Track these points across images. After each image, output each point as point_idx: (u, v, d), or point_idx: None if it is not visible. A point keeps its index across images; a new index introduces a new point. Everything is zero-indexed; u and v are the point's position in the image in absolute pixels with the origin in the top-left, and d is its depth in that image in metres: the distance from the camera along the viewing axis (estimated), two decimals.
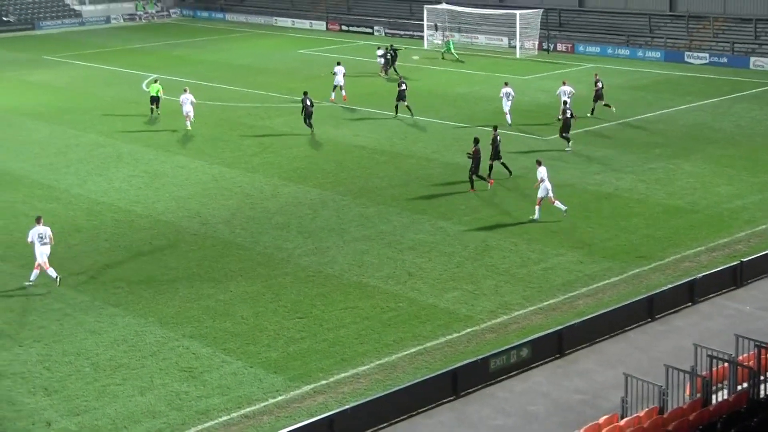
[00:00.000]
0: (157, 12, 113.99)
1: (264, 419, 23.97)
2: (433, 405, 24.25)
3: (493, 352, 25.74)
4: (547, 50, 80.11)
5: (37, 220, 32.84)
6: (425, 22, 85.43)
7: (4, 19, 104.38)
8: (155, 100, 57.39)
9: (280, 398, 24.89)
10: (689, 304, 29.77)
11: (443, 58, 77.54)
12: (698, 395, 21.27)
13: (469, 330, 28.46)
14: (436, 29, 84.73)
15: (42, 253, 32.13)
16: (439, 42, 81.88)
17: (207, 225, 38.28)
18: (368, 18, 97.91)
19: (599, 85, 54.56)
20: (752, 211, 38.37)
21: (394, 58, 69.90)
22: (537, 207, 37.55)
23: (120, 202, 41.39)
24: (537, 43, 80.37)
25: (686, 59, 73.94)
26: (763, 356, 21.39)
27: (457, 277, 32.40)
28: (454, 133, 51.46)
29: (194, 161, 47.66)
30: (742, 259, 31.66)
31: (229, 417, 24.08)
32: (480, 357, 25.42)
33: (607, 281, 31.77)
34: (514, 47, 80.00)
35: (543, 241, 35.40)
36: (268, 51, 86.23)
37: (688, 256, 33.75)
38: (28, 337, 28.57)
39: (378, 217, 38.66)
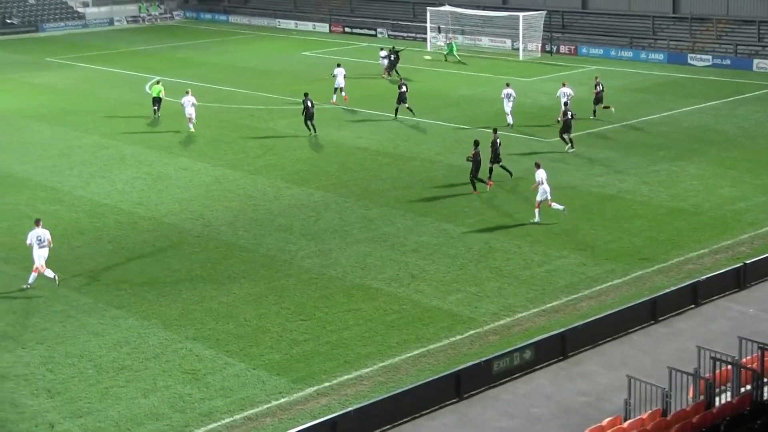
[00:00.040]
0: (160, 14, 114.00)
1: (267, 421, 23.97)
2: (436, 407, 24.24)
3: (497, 354, 25.75)
4: (551, 52, 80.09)
5: (36, 223, 32.85)
6: (428, 24, 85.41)
7: (8, 21, 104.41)
8: (157, 101, 57.51)
9: (283, 400, 24.89)
10: (692, 306, 29.75)
11: (446, 60, 77.53)
12: (701, 397, 21.25)
13: (472, 332, 28.46)
14: (439, 31, 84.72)
15: (40, 256, 32.12)
16: (442, 44, 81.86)
17: (210, 227, 38.29)
18: (371, 20, 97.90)
19: (599, 87, 54.58)
20: (755, 213, 38.35)
21: (396, 59, 69.88)
22: (536, 210, 37.54)
23: (123, 204, 41.41)
24: (540, 45, 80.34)
25: (689, 61, 73.91)
26: (766, 358, 21.36)
27: (461, 279, 32.39)
28: (457, 135, 51.45)
29: (197, 163, 47.67)
30: (746, 261, 31.65)
31: (232, 419, 24.07)
32: (483, 359, 25.41)
33: (610, 283, 31.75)
34: (517, 49, 79.98)
35: (546, 243, 35.40)
36: (271, 53, 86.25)
37: (692, 258, 33.74)
38: (31, 339, 28.59)
39: (381, 219, 38.65)
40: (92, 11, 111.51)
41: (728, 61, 72.39)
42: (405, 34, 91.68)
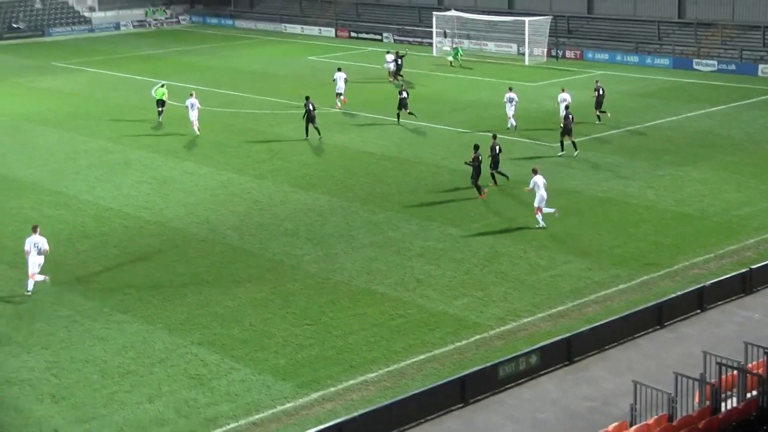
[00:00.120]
0: (166, 18, 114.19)
1: (272, 427, 23.95)
2: (441, 412, 24.20)
3: (502, 359, 25.71)
4: (556, 57, 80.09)
5: (34, 230, 32.80)
6: (434, 29, 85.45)
7: (14, 26, 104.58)
8: (161, 104, 57.70)
9: (288, 405, 24.87)
10: (698, 311, 29.71)
11: (452, 65, 77.54)
12: (707, 403, 21.20)
13: (477, 337, 28.43)
14: (445, 36, 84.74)
15: (35, 263, 32.04)
16: (448, 48, 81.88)
17: (216, 231, 38.30)
18: (377, 25, 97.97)
19: (599, 92, 54.62)
20: (761, 218, 38.29)
21: (400, 64, 69.83)
22: (538, 216, 37.50)
23: (128, 209, 41.43)
24: (546, 50, 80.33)
25: (695, 66, 73.88)
26: None
27: (466, 283, 32.37)
28: (462, 140, 51.41)
29: (203, 167, 47.71)
30: (752, 266, 31.58)
31: (237, 424, 24.05)
32: (489, 364, 25.38)
33: (615, 288, 31.72)
34: (523, 54, 79.98)
35: (552, 248, 35.37)
36: (278, 57, 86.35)
37: (697, 263, 33.70)
38: (36, 344, 28.58)
39: (387, 223, 38.65)
40: (98, 16, 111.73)
41: (733, 66, 72.34)
42: (411, 39, 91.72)
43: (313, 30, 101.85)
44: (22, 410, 24.92)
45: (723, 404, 21.24)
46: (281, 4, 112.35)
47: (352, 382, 25.94)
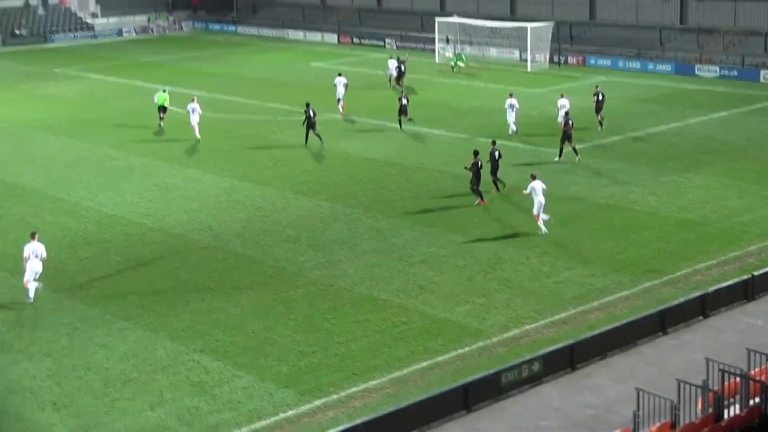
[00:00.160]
0: (169, 25, 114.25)
1: None
2: (444, 419, 24.18)
3: (505, 366, 25.68)
4: (559, 63, 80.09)
5: (32, 236, 32.80)
6: (436, 35, 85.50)
7: (17, 32, 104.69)
8: (162, 110, 57.79)
9: (290, 413, 24.84)
10: (701, 317, 29.69)
11: (453, 71, 77.53)
12: (710, 410, 21.16)
13: (480, 344, 28.41)
14: (448, 42, 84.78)
15: (32, 270, 31.97)
16: (450, 55, 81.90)
17: (218, 238, 38.29)
18: (380, 31, 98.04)
19: (598, 97, 54.68)
20: (763, 224, 38.27)
21: (401, 72, 69.78)
22: (540, 222, 37.48)
23: (131, 215, 41.43)
24: (548, 56, 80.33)
25: (697, 72, 73.86)
26: None
27: (469, 290, 32.36)
28: (465, 146, 51.34)
29: (205, 174, 47.71)
30: (754, 273, 31.56)
31: None
32: (491, 371, 25.36)
33: (618, 295, 31.70)
34: (526, 60, 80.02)
35: (554, 255, 35.36)
36: (280, 64, 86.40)
37: (700, 269, 33.67)
38: (38, 352, 28.56)
39: (389, 230, 38.64)
40: (101, 22, 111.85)
41: (735, 72, 72.37)
42: (413, 45, 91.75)
43: (316, 36, 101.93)
44: (23, 418, 24.91)
45: (726, 411, 21.19)
46: (284, 10, 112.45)
47: (354, 389, 25.92)
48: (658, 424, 21.15)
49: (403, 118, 55.50)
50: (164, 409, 25.11)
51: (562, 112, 51.11)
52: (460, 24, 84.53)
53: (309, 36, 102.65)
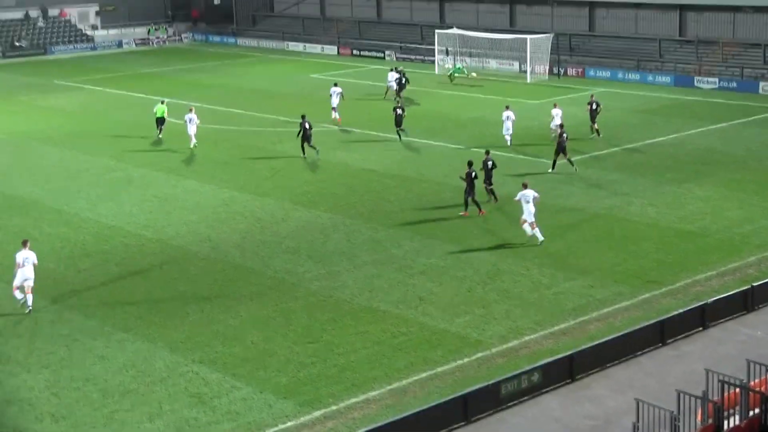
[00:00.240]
0: (168, 37, 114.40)
1: None
2: (444, 430, 24.12)
3: (504, 377, 25.64)
4: (558, 75, 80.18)
5: (24, 244, 32.85)
6: (436, 47, 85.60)
7: (17, 44, 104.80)
8: (161, 121, 57.86)
9: (290, 424, 24.78)
10: (700, 328, 29.64)
11: (452, 81, 77.63)
12: (710, 421, 21.11)
13: (480, 355, 28.36)
14: (447, 54, 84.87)
15: (24, 277, 31.99)
16: (450, 66, 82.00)
17: (217, 249, 38.27)
18: (379, 43, 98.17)
19: (593, 106, 54.91)
20: (763, 235, 38.25)
21: (402, 84, 69.80)
22: (536, 230, 37.46)
23: (130, 227, 41.41)
24: (547, 67, 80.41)
25: (696, 84, 73.95)
26: None
27: (468, 301, 32.32)
28: (465, 157, 51.31)
29: (205, 185, 47.71)
30: (753, 284, 31.51)
31: None
32: (491, 382, 25.31)
33: (618, 306, 31.66)
34: (525, 72, 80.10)
35: (554, 266, 35.33)
36: (280, 75, 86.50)
37: (699, 280, 33.65)
38: (36, 363, 28.51)
39: (389, 241, 38.62)
40: (101, 34, 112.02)
41: (734, 84, 72.44)
42: (413, 57, 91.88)
43: (316, 48, 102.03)
44: (21, 430, 24.82)
45: (726, 422, 21.15)
46: (284, 22, 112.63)
47: (354, 400, 25.87)
48: None
49: (400, 130, 55.61)
50: (163, 421, 25.05)
51: (555, 121, 51.49)
52: (459, 36, 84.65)
53: (309, 48, 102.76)
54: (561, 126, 49.33)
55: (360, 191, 45.95)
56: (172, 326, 30.87)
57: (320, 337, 29.83)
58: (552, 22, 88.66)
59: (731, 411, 21.58)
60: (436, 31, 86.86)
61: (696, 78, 74.57)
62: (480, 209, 41.27)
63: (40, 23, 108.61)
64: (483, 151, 45.00)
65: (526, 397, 25.60)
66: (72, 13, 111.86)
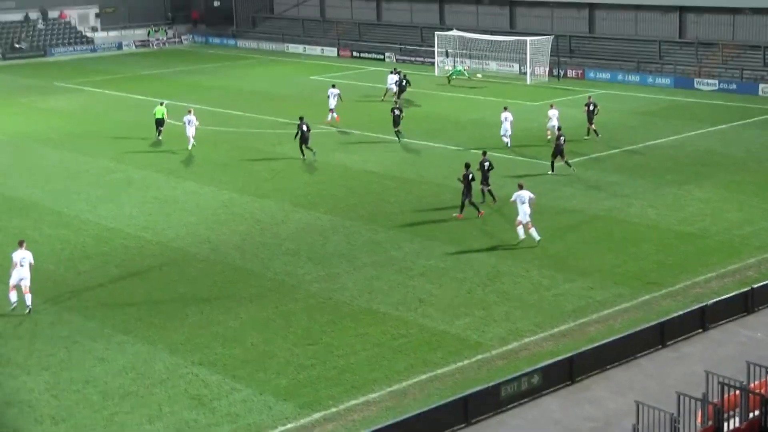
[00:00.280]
0: (168, 38, 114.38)
1: None
2: None
3: (504, 379, 25.63)
4: (558, 76, 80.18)
5: (20, 244, 32.90)
6: (436, 49, 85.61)
7: (17, 45, 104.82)
8: (160, 123, 57.88)
9: (289, 426, 24.77)
10: (700, 330, 29.64)
11: (449, 83, 77.68)
12: (710, 423, 21.10)
13: (479, 357, 28.36)
14: (447, 55, 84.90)
15: (20, 277, 32.03)
16: (450, 68, 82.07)
17: (217, 251, 38.26)
18: (379, 44, 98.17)
19: (590, 107, 55.05)
20: (763, 237, 38.25)
21: (403, 87, 69.80)
22: (531, 231, 37.45)
23: (130, 228, 41.40)
24: (547, 69, 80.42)
25: (696, 85, 73.98)
26: None
27: (468, 303, 32.32)
28: (463, 159, 51.29)
29: (204, 187, 47.71)
30: (753, 286, 31.51)
31: None
32: (491, 384, 25.30)
33: (617, 307, 31.66)
34: (525, 73, 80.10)
35: (554, 267, 35.33)
36: (280, 77, 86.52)
37: (699, 282, 33.65)
38: (36, 365, 28.49)
39: (389, 242, 38.62)
40: (101, 36, 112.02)
41: (734, 86, 72.43)
42: (413, 59, 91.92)
43: (316, 50, 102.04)
44: None
45: (726, 424, 21.14)
46: (284, 23, 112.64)
47: (353, 402, 25.86)
48: None
49: (397, 131, 55.72)
50: (163, 423, 25.04)
51: (552, 122, 51.87)
52: (459, 37, 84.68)
53: (308, 49, 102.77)
54: (559, 128, 49.35)
55: (360, 193, 45.96)
56: (171, 328, 30.87)
57: (320, 339, 29.83)
58: (552, 24, 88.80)
59: (731, 413, 21.57)
60: (436, 32, 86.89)
61: (696, 80, 74.60)
62: (479, 211, 41.28)
63: (40, 25, 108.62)
64: (480, 152, 44.96)
65: (526, 399, 25.59)
66: (72, 14, 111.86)
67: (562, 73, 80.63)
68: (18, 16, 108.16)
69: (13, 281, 32.16)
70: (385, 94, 70.37)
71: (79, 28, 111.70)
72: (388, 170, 50.05)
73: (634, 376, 27.01)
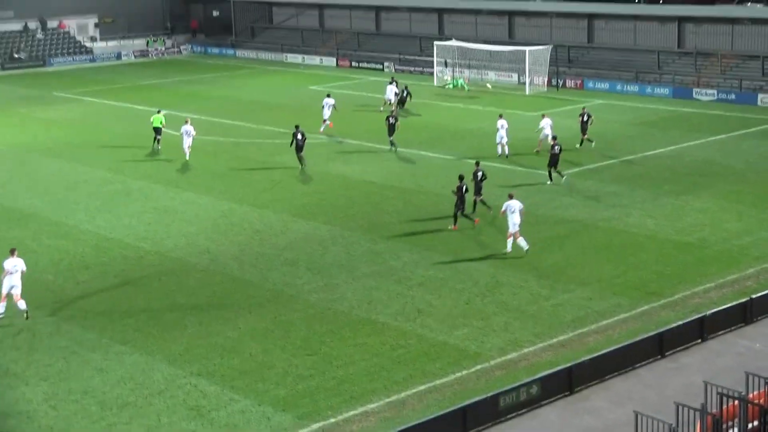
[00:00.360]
0: (167, 48, 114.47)
1: None
2: None
3: (503, 389, 25.60)
4: (557, 86, 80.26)
5: (11, 252, 32.89)
6: (435, 59, 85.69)
7: (15, 56, 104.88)
8: (158, 131, 57.90)
9: None
10: (699, 340, 29.63)
11: (445, 87, 77.79)
12: None
13: (478, 367, 28.35)
14: (446, 65, 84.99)
15: (11, 285, 32.05)
16: (448, 78, 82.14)
17: (216, 261, 38.25)
18: (378, 54, 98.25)
19: (584, 118, 55.16)
20: (762, 247, 38.26)
21: (403, 98, 69.88)
22: (520, 240, 37.44)
23: (129, 239, 41.39)
24: (546, 79, 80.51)
25: (694, 96, 74.05)
26: None
27: (467, 313, 32.31)
28: (463, 169, 51.33)
29: (203, 197, 47.71)
30: (752, 296, 31.51)
31: None
32: (489, 394, 25.28)
33: (616, 318, 31.66)
34: (524, 83, 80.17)
35: (553, 278, 35.33)
36: (279, 87, 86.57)
37: (698, 292, 33.65)
38: (34, 376, 28.47)
39: (388, 252, 38.61)
40: (100, 46, 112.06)
41: (733, 96, 72.51)
42: (412, 69, 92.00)
43: (315, 60, 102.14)
44: None
45: None
46: (282, 33, 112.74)
47: (352, 412, 25.84)
48: None
49: (392, 141, 55.86)
50: None
51: (545, 131, 52.47)
52: (458, 47, 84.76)
53: (307, 59, 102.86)
54: (554, 137, 49.44)
55: (359, 203, 45.97)
56: (170, 338, 30.85)
57: (319, 349, 29.81)
58: (551, 34, 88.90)
59: (730, 423, 21.58)
60: (435, 42, 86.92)
61: (694, 90, 74.67)
62: (474, 220, 41.30)
63: (39, 35, 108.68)
64: (474, 162, 44.98)
65: (524, 410, 25.57)
66: (71, 24, 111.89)
67: (560, 83, 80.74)
68: (17, 26, 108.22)
69: (4, 290, 32.17)
70: (384, 105, 70.37)
71: (78, 38, 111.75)
72: (387, 180, 50.07)
73: (633, 386, 26.99)
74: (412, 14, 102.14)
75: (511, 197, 37.99)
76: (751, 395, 22.27)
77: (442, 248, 38.90)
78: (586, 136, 55.48)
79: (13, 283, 32.18)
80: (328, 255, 38.57)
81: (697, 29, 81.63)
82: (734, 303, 31.31)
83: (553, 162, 47.80)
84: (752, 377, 22.57)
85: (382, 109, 69.34)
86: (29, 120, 72.19)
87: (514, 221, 37.43)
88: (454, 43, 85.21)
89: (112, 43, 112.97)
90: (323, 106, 61.91)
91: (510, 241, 37.63)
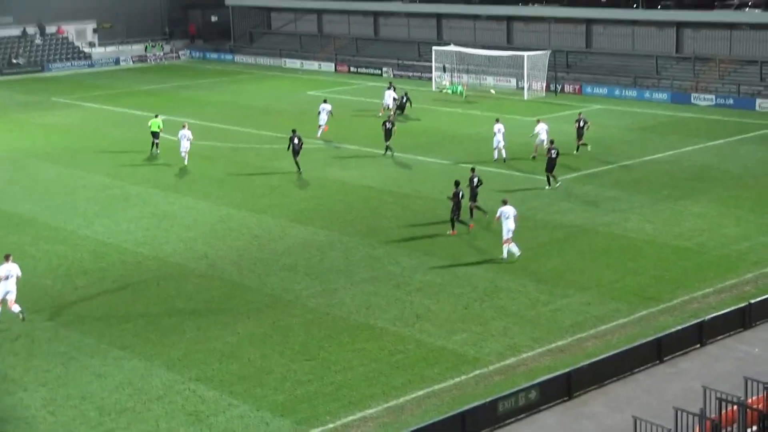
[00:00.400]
0: (166, 54, 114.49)
1: None
2: None
3: (502, 394, 25.59)
4: (555, 91, 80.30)
5: (6, 258, 32.88)
6: (433, 64, 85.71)
7: (14, 61, 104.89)
8: (155, 135, 57.91)
9: None
10: (698, 345, 29.62)
11: (442, 92, 77.84)
12: None
13: (477, 372, 28.33)
14: (444, 71, 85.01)
15: (5, 290, 32.06)
16: (447, 83, 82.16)
17: (214, 266, 38.23)
18: (377, 59, 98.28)
19: (580, 124, 55.26)
20: (760, 252, 38.26)
21: (403, 104, 69.91)
22: (512, 246, 37.44)
23: (127, 244, 41.37)
24: (545, 84, 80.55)
25: (693, 101, 74.05)
26: None
27: (466, 318, 32.29)
28: (461, 174, 51.33)
29: (202, 202, 47.70)
30: (751, 301, 31.50)
31: None
32: (488, 399, 25.27)
33: (615, 323, 31.65)
34: (522, 88, 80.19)
35: (551, 283, 35.32)
36: (277, 92, 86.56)
37: (696, 297, 33.65)
38: (33, 381, 28.44)
39: (386, 257, 38.60)
40: (98, 51, 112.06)
41: (731, 101, 72.54)
42: (410, 74, 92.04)
43: (313, 65, 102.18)
44: None
45: None
46: (281, 39, 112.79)
47: (351, 418, 25.83)
48: None
49: (388, 145, 55.90)
50: None
51: (541, 137, 52.89)
52: (457, 52, 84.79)
53: (306, 65, 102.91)
54: (551, 142, 49.50)
55: (357, 208, 45.96)
56: (169, 343, 30.82)
57: (317, 354, 29.79)
58: (549, 39, 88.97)
59: (729, 428, 21.57)
60: (434, 48, 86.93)
61: (693, 95, 74.67)
62: (469, 225, 41.33)
63: (38, 40, 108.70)
64: (470, 167, 44.97)
65: (523, 415, 25.56)
66: (69, 30, 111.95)
67: (559, 88, 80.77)
68: (15, 32, 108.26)
69: (1, 296, 32.18)
70: (382, 110, 70.37)
71: (77, 43, 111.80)
72: (385, 185, 50.07)
73: (631, 391, 26.99)
74: (410, 19, 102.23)
75: (505, 203, 37.98)
76: (749, 400, 22.26)
77: (441, 253, 38.90)
78: (581, 142, 55.54)
79: (8, 288, 32.19)
80: (327, 260, 38.56)
81: (696, 34, 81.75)
82: (733, 308, 31.32)
83: (551, 167, 47.86)
84: (751, 382, 22.57)
85: (380, 114, 69.33)
86: (28, 125, 72.18)
87: (508, 227, 37.42)
88: (452, 48, 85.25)
89: (110, 49, 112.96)
90: (319, 112, 61.98)
91: (505, 247, 37.64)
